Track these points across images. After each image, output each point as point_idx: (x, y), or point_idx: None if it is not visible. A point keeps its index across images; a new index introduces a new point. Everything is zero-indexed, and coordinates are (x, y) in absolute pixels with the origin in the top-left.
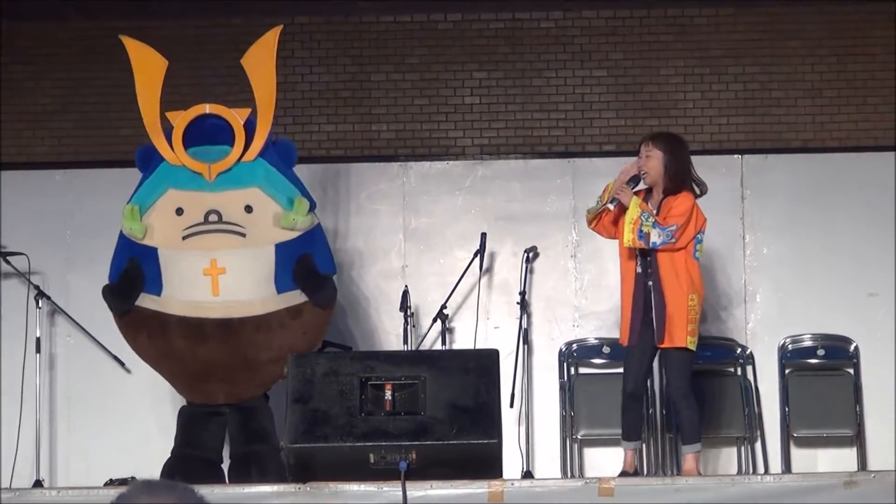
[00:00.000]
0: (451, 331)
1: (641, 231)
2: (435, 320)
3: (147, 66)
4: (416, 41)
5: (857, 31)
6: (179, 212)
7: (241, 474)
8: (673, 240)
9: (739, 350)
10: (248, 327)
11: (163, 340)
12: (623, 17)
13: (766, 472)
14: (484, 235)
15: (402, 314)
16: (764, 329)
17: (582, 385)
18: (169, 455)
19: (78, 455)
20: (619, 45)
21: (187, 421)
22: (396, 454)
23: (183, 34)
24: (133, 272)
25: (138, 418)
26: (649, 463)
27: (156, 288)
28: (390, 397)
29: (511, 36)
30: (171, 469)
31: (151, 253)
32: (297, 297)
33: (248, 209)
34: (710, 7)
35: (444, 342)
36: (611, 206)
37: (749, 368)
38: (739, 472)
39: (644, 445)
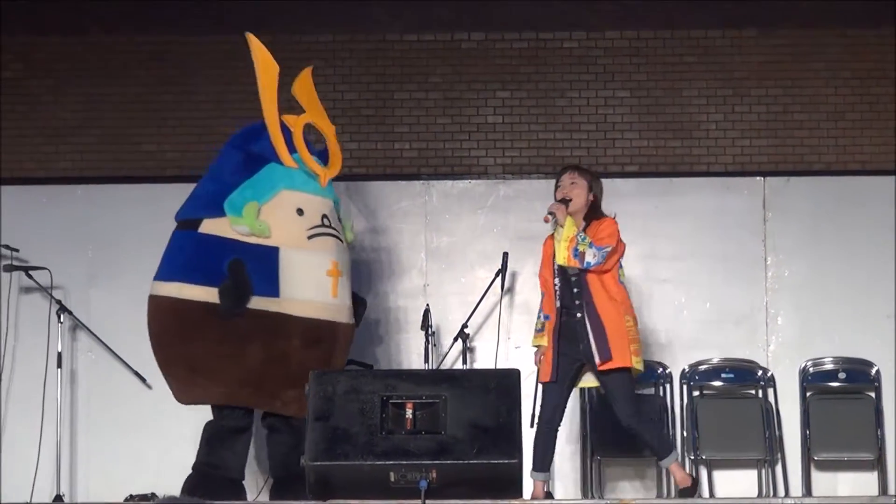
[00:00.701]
0: (472, 350)
1: (577, 250)
2: (456, 339)
3: (266, 68)
4: (439, 60)
5: (879, 54)
6: (300, 212)
7: (287, 495)
8: (604, 260)
9: (760, 372)
10: (342, 334)
11: (281, 342)
12: (646, 38)
13: (787, 495)
14: (506, 255)
15: (423, 333)
16: (785, 351)
17: (602, 406)
18: (191, 470)
19: (98, 470)
20: (642, 65)
21: (213, 438)
22: (417, 473)
23: (206, 50)
24: (243, 274)
25: (159, 434)
26: (669, 484)
27: (271, 289)
28: (411, 416)
29: (534, 56)
30: (192, 485)
31: (268, 253)
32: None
33: (339, 220)
34: (733, 29)
35: (465, 361)
36: (550, 218)
37: (770, 391)
38: (760, 494)
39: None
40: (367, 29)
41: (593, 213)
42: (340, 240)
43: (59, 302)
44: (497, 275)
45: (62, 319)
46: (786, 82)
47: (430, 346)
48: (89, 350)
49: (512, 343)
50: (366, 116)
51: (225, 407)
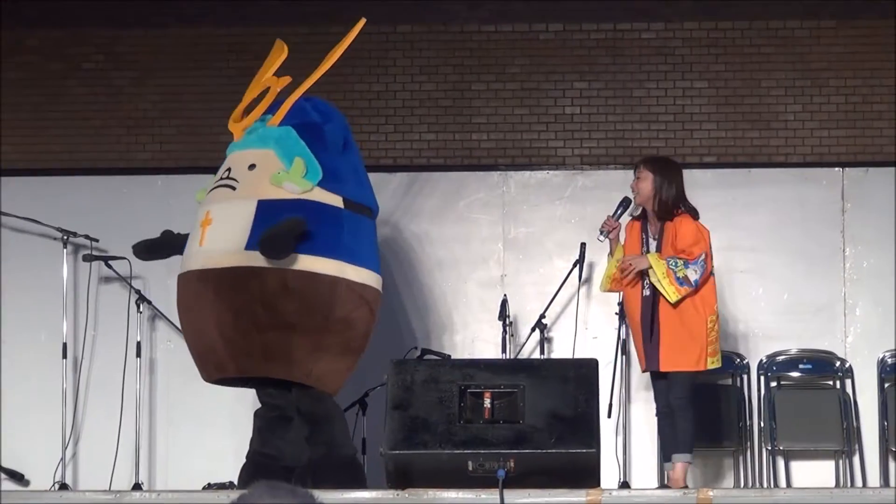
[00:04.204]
0: (549, 340)
1: (678, 278)
2: (534, 329)
3: (271, 61)
4: (517, 51)
5: None
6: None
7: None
8: (706, 267)
9: (838, 363)
10: (224, 281)
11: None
12: (724, 29)
13: (865, 485)
14: (583, 245)
15: (500, 323)
16: (863, 342)
17: None
18: (245, 460)
19: (177, 458)
20: (720, 56)
21: (263, 425)
22: (495, 462)
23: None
24: (164, 235)
25: (237, 423)
26: (746, 475)
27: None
28: (489, 405)
29: (612, 46)
30: (248, 475)
31: None
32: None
33: (252, 167)
34: (811, 20)
35: (542, 352)
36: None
37: (848, 382)
38: (837, 485)
39: (741, 457)
40: (445, 20)
41: (665, 208)
42: (232, 188)
43: (138, 292)
44: (575, 265)
45: (141, 309)
46: (864, 73)
47: (507, 336)
48: (168, 339)
49: (590, 333)
50: (444, 107)
51: (257, 391)
